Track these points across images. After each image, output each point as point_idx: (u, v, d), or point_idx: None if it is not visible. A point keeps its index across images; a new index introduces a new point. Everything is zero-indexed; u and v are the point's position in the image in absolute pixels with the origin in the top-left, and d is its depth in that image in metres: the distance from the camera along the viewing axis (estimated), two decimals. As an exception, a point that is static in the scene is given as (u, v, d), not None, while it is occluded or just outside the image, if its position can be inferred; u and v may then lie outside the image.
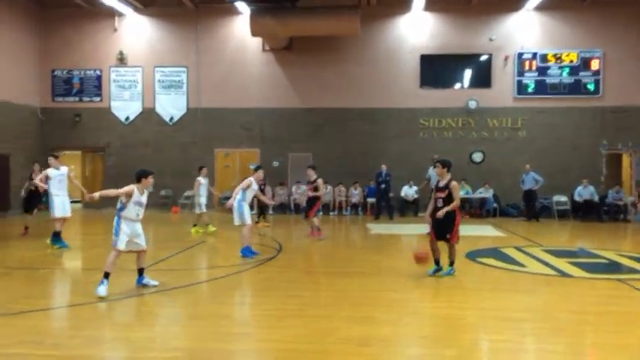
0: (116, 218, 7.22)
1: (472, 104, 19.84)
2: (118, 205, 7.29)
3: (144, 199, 7.37)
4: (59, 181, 10.93)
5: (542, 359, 5.22)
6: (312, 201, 13.13)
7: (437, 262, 8.48)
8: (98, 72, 20.88)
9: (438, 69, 20.47)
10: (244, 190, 10.29)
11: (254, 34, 18.61)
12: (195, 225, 13.87)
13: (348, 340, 5.47)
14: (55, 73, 20.93)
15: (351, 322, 6.09)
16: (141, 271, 7.56)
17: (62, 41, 20.80)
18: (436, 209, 8.38)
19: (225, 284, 8.26)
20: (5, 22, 18.93)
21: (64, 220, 10.99)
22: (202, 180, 14.22)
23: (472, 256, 10.57)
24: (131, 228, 7.28)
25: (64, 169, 11.08)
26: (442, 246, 8.51)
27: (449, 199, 8.31)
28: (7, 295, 7.38)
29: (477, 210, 19.20)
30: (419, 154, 19.82)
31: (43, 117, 20.88)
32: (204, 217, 14.02)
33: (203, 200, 13.99)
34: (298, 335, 5.63)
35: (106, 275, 7.10)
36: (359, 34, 18.82)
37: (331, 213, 19.44)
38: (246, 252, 10.11)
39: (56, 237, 10.88)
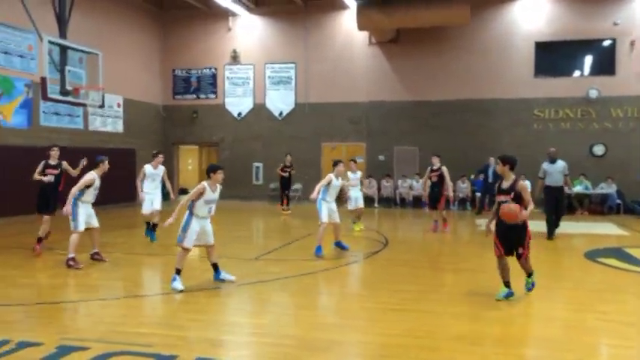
0: (187, 214, 7.31)
1: (593, 93, 18.52)
2: (190, 203, 7.32)
3: (216, 195, 7.38)
4: (152, 180, 11.15)
5: (673, 370, 4.82)
6: (438, 191, 12.77)
7: (508, 285, 6.78)
8: (213, 70, 22.01)
9: (554, 56, 19.31)
10: (326, 186, 9.81)
11: (361, 27, 18.66)
12: (355, 222, 13.16)
13: (457, 338, 5.38)
14: (175, 72, 22.35)
15: (460, 319, 5.98)
16: (215, 267, 7.66)
17: (181, 42, 22.15)
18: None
19: (332, 276, 8.43)
20: (131, 25, 20.51)
21: (157, 212, 11.15)
22: (351, 175, 13.01)
23: (592, 255, 9.93)
24: (201, 225, 7.34)
25: (160, 169, 11.25)
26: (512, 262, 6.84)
27: (516, 204, 6.54)
28: (133, 280, 8.06)
29: (598, 207, 17.91)
30: (532, 147, 18.84)
31: (165, 114, 22.40)
32: (356, 213, 13.13)
33: (353, 194, 12.97)
34: (405, 330, 5.63)
35: (178, 272, 7.24)
36: (469, 23, 18.24)
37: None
38: (318, 251, 9.65)
39: (149, 228, 11.33)
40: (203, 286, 7.46)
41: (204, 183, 7.30)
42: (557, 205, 11.70)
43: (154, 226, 11.26)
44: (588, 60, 19.29)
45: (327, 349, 5.11)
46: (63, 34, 12.24)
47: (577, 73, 19.34)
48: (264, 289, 7.46)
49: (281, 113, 21.42)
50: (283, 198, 17.49)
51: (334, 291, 7.65)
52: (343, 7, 20.21)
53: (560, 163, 11.71)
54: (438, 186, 12.82)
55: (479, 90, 19.42)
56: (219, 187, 7.44)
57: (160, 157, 11.28)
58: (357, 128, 20.67)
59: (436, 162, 12.87)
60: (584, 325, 5.92)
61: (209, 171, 7.43)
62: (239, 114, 21.82)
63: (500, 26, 19.37)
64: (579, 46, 19.07)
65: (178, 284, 7.14)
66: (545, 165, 11.95)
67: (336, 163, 10.06)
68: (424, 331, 5.60)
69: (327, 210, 9.81)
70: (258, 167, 21.50)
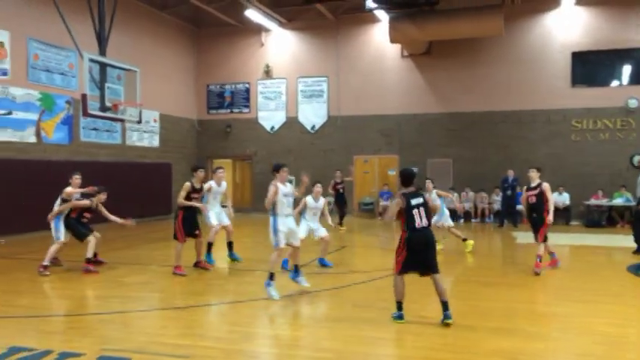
0: (271, 218, 7.55)
1: (632, 103, 18.08)
2: (270, 208, 7.57)
3: (288, 188, 7.75)
4: (214, 198, 10.21)
5: None
6: (539, 217, 9.55)
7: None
8: (247, 85, 22.32)
9: (591, 66, 18.98)
10: (304, 208, 10.16)
11: (393, 40, 18.67)
12: (464, 239, 11.86)
13: (494, 353, 5.29)
14: (210, 87, 22.74)
15: (498, 334, 5.88)
16: (297, 267, 7.91)
17: (215, 58, 22.55)
18: None
19: (369, 289, 8.39)
20: (167, 42, 20.99)
21: (226, 230, 10.30)
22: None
23: (634, 269, 9.63)
24: (287, 224, 7.60)
25: (223, 186, 10.35)
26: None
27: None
28: (171, 291, 8.18)
29: None
30: (571, 159, 18.54)
31: (200, 128, 22.78)
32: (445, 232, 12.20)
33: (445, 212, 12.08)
34: (442, 344, 5.56)
35: (272, 276, 7.46)
36: (502, 34, 18.06)
37: (473, 220, 18.86)
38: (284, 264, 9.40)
39: (209, 250, 10.13)
40: (239, 298, 7.51)
41: (275, 182, 7.62)
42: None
43: (230, 244, 10.38)
44: (627, 69, 18.87)
45: (363, 363, 5.08)
46: (102, 51, 12.59)
47: (615, 83, 18.93)
48: (299, 301, 7.47)
49: (313, 126, 21.54)
50: (342, 215, 16.63)
51: (370, 304, 7.59)
52: (375, 20, 20.28)
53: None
54: (538, 208, 9.57)
55: (514, 101, 19.18)
56: (288, 183, 7.83)
57: (220, 173, 10.37)
58: (389, 140, 20.61)
59: (535, 177, 9.73)
60: (627, 340, 5.76)
61: (274, 170, 7.77)
62: (272, 128, 22.03)
63: (535, 37, 19.14)
64: (617, 55, 18.69)
65: (272, 291, 7.35)
66: None
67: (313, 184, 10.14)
68: (461, 345, 5.52)
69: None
70: (291, 180, 21.56)
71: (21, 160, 14.46)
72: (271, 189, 7.57)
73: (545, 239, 9.45)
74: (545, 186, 9.49)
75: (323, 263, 10.17)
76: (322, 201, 10.15)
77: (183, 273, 9.08)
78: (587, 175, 18.33)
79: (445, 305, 6.22)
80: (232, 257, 10.37)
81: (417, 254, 6.28)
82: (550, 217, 9.32)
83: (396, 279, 6.41)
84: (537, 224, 9.54)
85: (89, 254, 9.38)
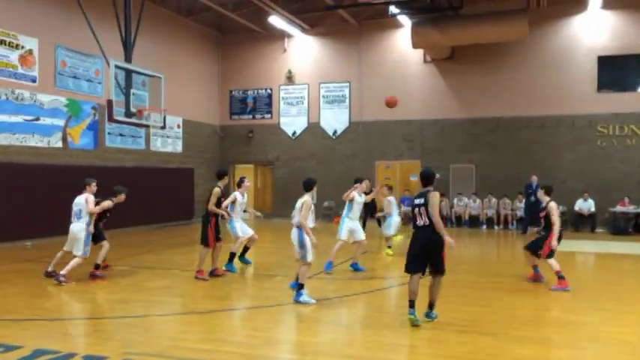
0: (299, 232, 7.51)
1: (661, 108, 17.71)
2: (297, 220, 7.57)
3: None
4: (241, 209, 10.34)
5: None
6: (547, 233, 8.91)
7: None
8: (269, 91, 22.44)
9: (618, 71, 18.63)
10: (350, 202, 10.18)
11: (415, 45, 18.59)
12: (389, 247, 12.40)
13: (519, 362, 5.22)
14: (233, 93, 22.93)
15: (523, 342, 5.79)
16: (300, 285, 7.68)
17: (238, 64, 22.73)
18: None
19: (390, 295, 8.35)
20: (191, 49, 21.23)
21: (251, 239, 10.45)
22: (392, 199, 12.55)
23: (663, 278, 9.42)
24: (310, 240, 7.63)
25: (245, 197, 10.49)
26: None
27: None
28: (193, 296, 8.23)
29: (668, 226, 16.98)
30: (596, 165, 18.22)
31: (222, 134, 22.97)
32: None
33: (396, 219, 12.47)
34: (466, 352, 5.50)
35: (302, 287, 7.49)
36: (527, 38, 17.86)
37: (496, 227, 18.66)
38: (328, 266, 9.97)
39: (231, 259, 10.10)
40: (261, 303, 7.54)
41: (308, 199, 7.66)
42: None
43: (246, 249, 10.65)
44: (655, 74, 18.53)
45: (384, 370, 5.05)
46: (128, 58, 12.77)
47: (643, 88, 18.59)
48: (320, 307, 7.45)
49: (335, 132, 21.55)
50: (366, 222, 15.88)
51: (390, 310, 7.57)
52: (397, 25, 20.23)
53: None
54: (546, 227, 8.98)
55: (538, 106, 18.93)
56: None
57: (248, 183, 10.52)
58: (411, 146, 20.51)
59: (543, 197, 9.23)
60: (656, 351, 5.61)
61: (310, 184, 7.80)
62: (294, 133, 22.11)
63: (561, 41, 18.88)
64: (645, 59, 18.35)
65: (307, 298, 7.44)
66: None
67: (357, 181, 10.53)
68: (483, 353, 5.45)
69: (345, 226, 10.12)
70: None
71: (48, 164, 14.74)
72: (306, 206, 7.58)
73: (548, 256, 8.75)
74: (551, 206, 8.84)
75: (356, 268, 10.14)
76: (364, 196, 10.42)
77: (205, 278, 9.15)
78: (613, 181, 17.99)
79: (431, 305, 6.55)
80: (243, 260, 10.57)
81: (416, 253, 6.46)
82: (554, 242, 8.66)
83: (410, 278, 6.52)
84: (541, 240, 8.95)
85: (99, 260, 9.34)
